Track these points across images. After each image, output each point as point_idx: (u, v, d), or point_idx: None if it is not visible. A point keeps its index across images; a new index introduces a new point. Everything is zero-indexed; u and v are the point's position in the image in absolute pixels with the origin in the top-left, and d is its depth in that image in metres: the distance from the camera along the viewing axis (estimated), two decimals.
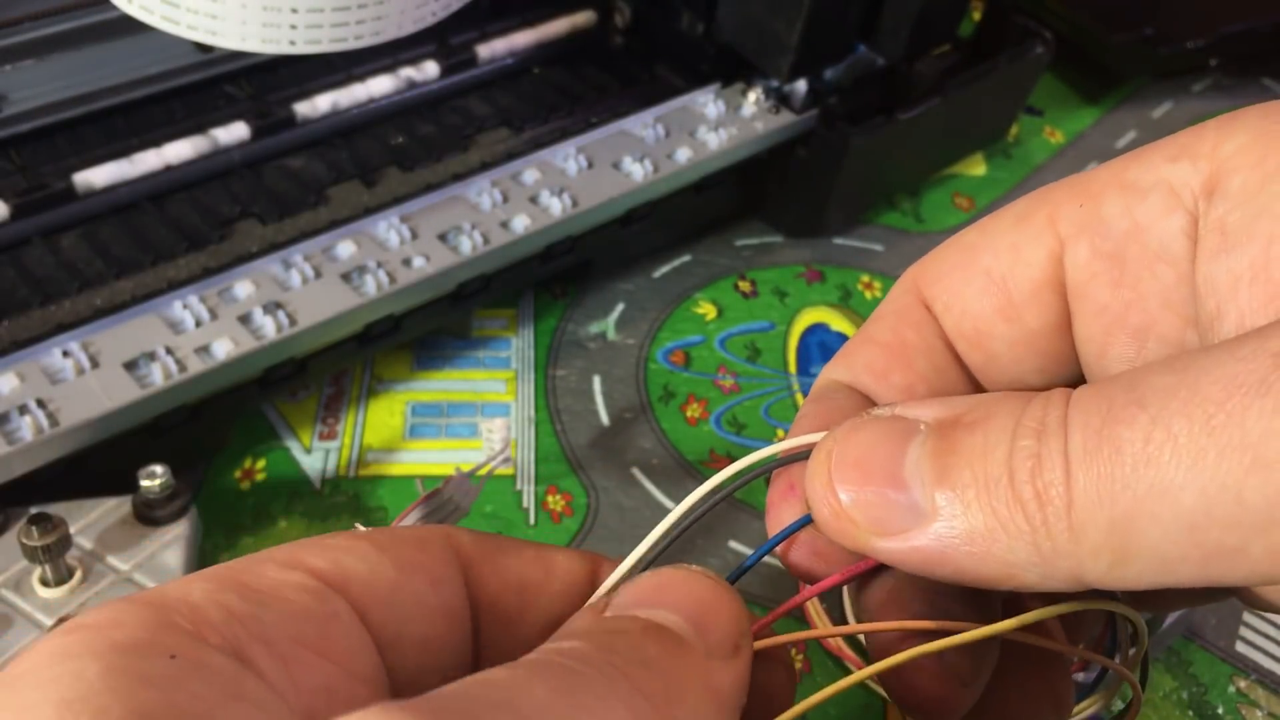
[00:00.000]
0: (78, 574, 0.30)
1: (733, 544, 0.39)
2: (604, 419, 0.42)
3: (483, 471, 0.31)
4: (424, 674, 0.15)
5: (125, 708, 0.13)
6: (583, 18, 0.51)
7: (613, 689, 0.14)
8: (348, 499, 0.39)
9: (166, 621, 0.15)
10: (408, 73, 0.47)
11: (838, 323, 0.47)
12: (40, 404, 0.33)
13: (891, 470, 0.16)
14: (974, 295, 0.20)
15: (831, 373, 0.22)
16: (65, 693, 0.13)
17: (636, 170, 0.44)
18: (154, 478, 0.32)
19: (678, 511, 0.19)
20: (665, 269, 0.49)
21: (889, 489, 0.16)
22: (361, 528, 0.20)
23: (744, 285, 0.49)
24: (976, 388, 0.21)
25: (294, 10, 0.35)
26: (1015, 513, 0.15)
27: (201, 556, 0.33)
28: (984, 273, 0.20)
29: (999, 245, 0.20)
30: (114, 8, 0.37)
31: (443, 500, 0.30)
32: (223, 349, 0.36)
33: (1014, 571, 0.16)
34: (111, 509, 0.32)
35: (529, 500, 0.39)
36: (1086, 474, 0.15)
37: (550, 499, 0.40)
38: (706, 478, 0.20)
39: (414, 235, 0.40)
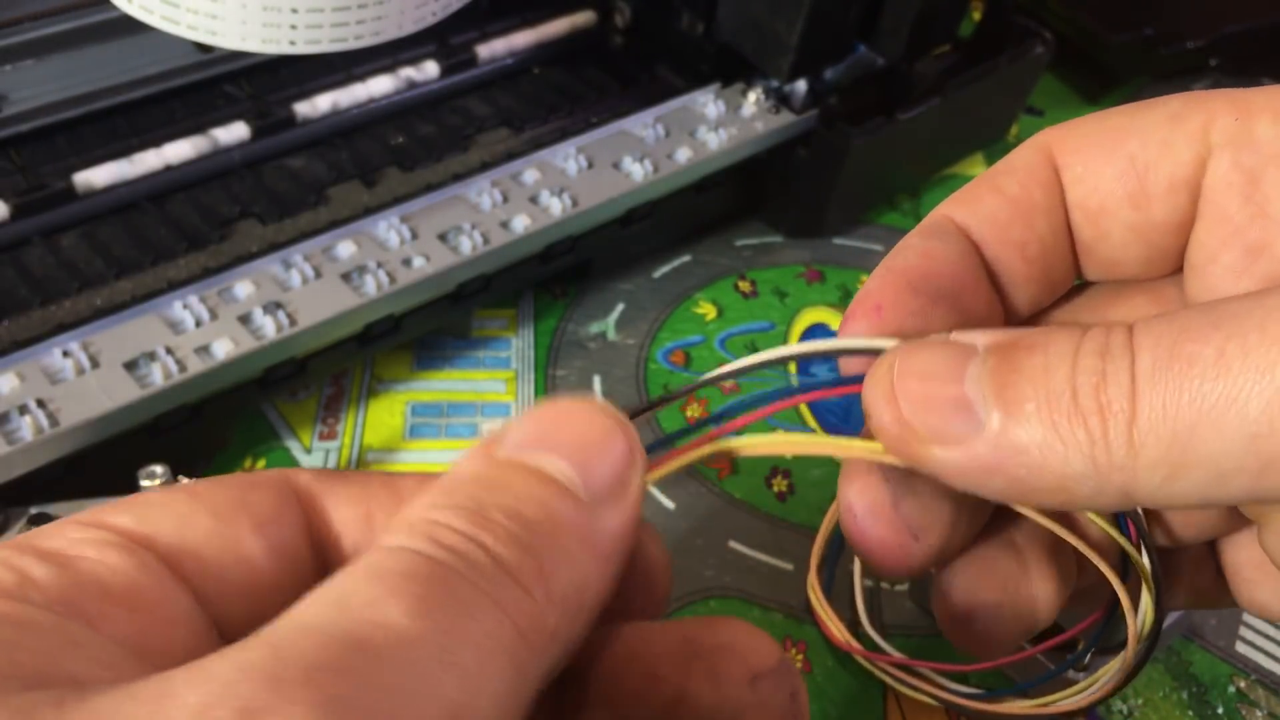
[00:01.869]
0: None
1: (733, 544, 0.39)
2: None
3: None
4: (259, 620, 0.14)
5: None
6: (583, 18, 0.51)
7: (480, 598, 0.14)
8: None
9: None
10: (408, 73, 0.47)
11: (837, 323, 0.47)
12: (40, 404, 0.33)
13: (953, 384, 0.17)
14: (1111, 175, 0.20)
15: (950, 210, 0.22)
16: None
17: (636, 170, 0.44)
18: (154, 478, 0.32)
19: (734, 365, 0.20)
20: (665, 269, 0.49)
21: (950, 401, 0.17)
22: (185, 479, 0.20)
23: (744, 285, 0.49)
24: (1070, 266, 0.22)
25: (294, 10, 0.35)
26: (1076, 426, 0.16)
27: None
28: (1128, 157, 0.20)
29: (1149, 137, 0.20)
30: (114, 8, 0.37)
31: None
32: (223, 349, 0.36)
33: (1067, 484, 0.16)
34: None
35: None
36: (1154, 389, 0.15)
37: None
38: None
39: (414, 235, 0.40)
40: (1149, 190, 0.20)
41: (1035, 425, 0.16)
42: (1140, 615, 0.21)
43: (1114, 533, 0.19)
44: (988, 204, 0.22)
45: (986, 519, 0.22)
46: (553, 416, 0.17)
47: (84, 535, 0.16)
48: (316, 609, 0.14)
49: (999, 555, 0.22)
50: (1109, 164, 0.20)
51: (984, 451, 0.17)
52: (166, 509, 0.17)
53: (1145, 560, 0.20)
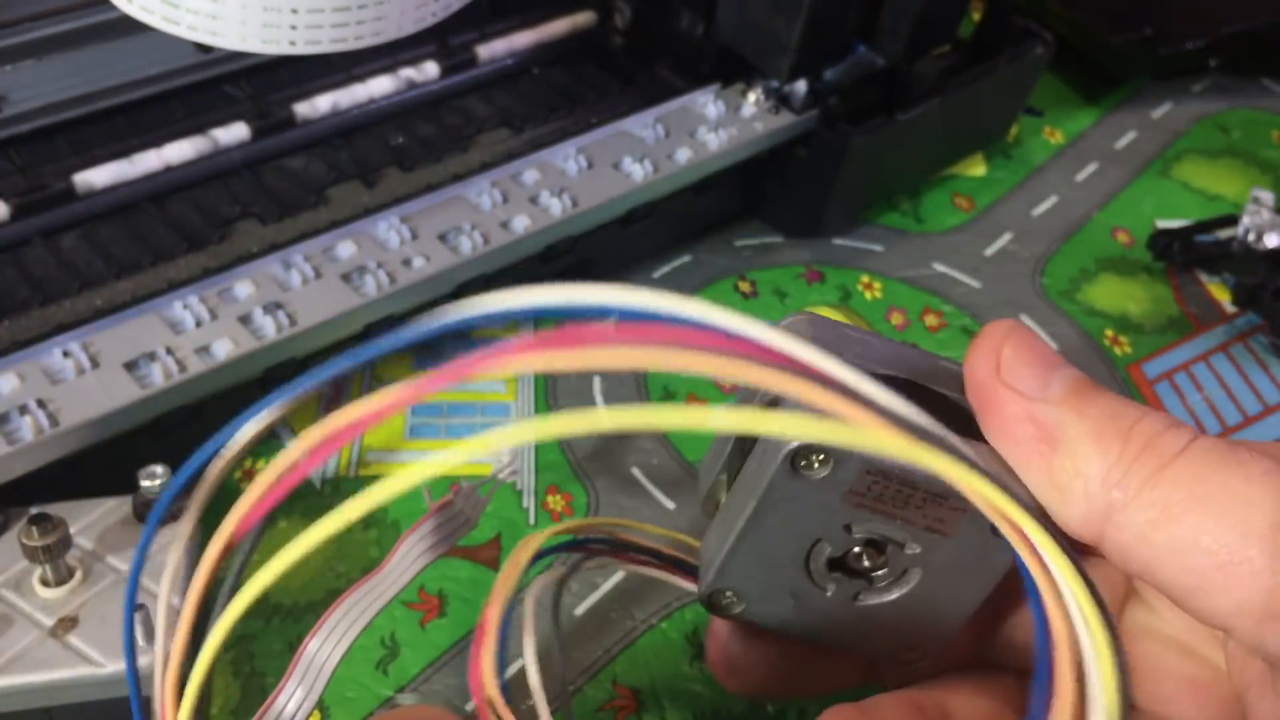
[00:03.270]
0: (78, 574, 0.30)
1: None
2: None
3: (485, 489, 0.31)
4: None
5: None
6: (583, 18, 0.51)
7: None
8: (348, 499, 0.39)
9: None
10: (408, 73, 0.47)
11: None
12: (40, 404, 0.33)
13: (1044, 366, 0.20)
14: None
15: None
16: None
17: (636, 170, 0.44)
18: (154, 478, 0.32)
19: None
20: (665, 269, 0.49)
21: (1039, 369, 0.20)
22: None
23: (744, 285, 0.49)
24: None
25: (294, 11, 0.35)
26: (1117, 441, 0.19)
27: (201, 557, 0.33)
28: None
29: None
30: (114, 8, 0.37)
31: (453, 512, 0.30)
32: (223, 349, 0.36)
33: (1070, 481, 0.19)
34: (111, 509, 0.32)
35: (529, 500, 0.39)
36: (1200, 457, 0.18)
37: (550, 499, 0.40)
38: None
39: (414, 235, 0.40)
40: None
41: (1090, 422, 0.19)
42: None
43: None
44: None
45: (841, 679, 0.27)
46: None
47: None
48: None
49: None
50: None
51: (1040, 413, 0.20)
52: None
53: None
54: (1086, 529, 0.19)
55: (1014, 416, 0.20)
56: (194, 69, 0.45)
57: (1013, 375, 0.20)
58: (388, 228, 0.40)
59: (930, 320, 0.48)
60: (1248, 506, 0.17)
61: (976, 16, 0.55)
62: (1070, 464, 0.19)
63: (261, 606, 0.35)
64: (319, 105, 0.45)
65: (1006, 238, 0.53)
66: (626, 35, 0.52)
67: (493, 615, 0.22)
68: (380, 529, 0.38)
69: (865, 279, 0.50)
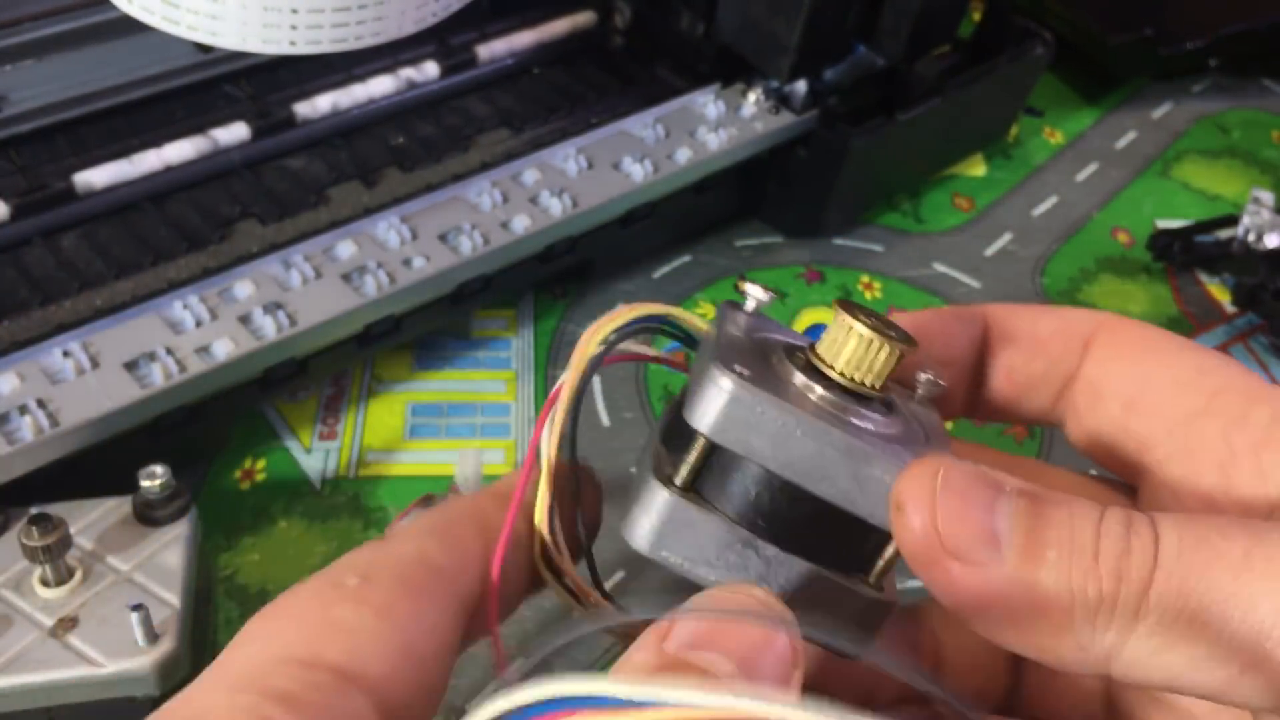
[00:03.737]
0: (78, 574, 0.30)
1: None
2: (604, 420, 0.42)
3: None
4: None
5: None
6: (583, 18, 0.51)
7: None
8: (348, 499, 0.39)
9: None
10: (408, 73, 0.47)
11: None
12: (40, 404, 0.33)
13: (987, 510, 0.18)
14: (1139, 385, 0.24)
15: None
16: None
17: (636, 170, 0.44)
18: (154, 478, 0.32)
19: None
20: (665, 269, 0.49)
21: (981, 525, 0.18)
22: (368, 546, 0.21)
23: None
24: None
25: (294, 10, 0.35)
26: (1092, 581, 0.17)
27: (201, 557, 0.33)
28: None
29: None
30: (114, 8, 0.37)
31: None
32: (223, 349, 0.36)
33: (1061, 632, 0.18)
34: (111, 509, 0.32)
35: None
36: (1175, 567, 0.17)
37: None
38: None
39: (414, 235, 0.40)
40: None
41: (1053, 571, 0.18)
42: None
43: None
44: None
45: None
46: (717, 625, 0.18)
47: (313, 679, 0.18)
48: None
49: None
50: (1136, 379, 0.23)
51: (999, 581, 0.18)
52: (374, 641, 0.19)
53: None
54: (1096, 670, 0.18)
55: (972, 594, 0.18)
56: (194, 69, 0.45)
57: (955, 541, 0.18)
58: (388, 228, 0.40)
59: None
60: (1243, 607, 0.17)
61: (976, 16, 0.55)
62: (1049, 628, 0.18)
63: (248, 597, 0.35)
64: (319, 105, 0.45)
65: (1006, 238, 0.53)
66: (626, 35, 0.52)
67: (568, 384, 0.22)
68: (379, 530, 0.38)
69: (865, 279, 0.50)
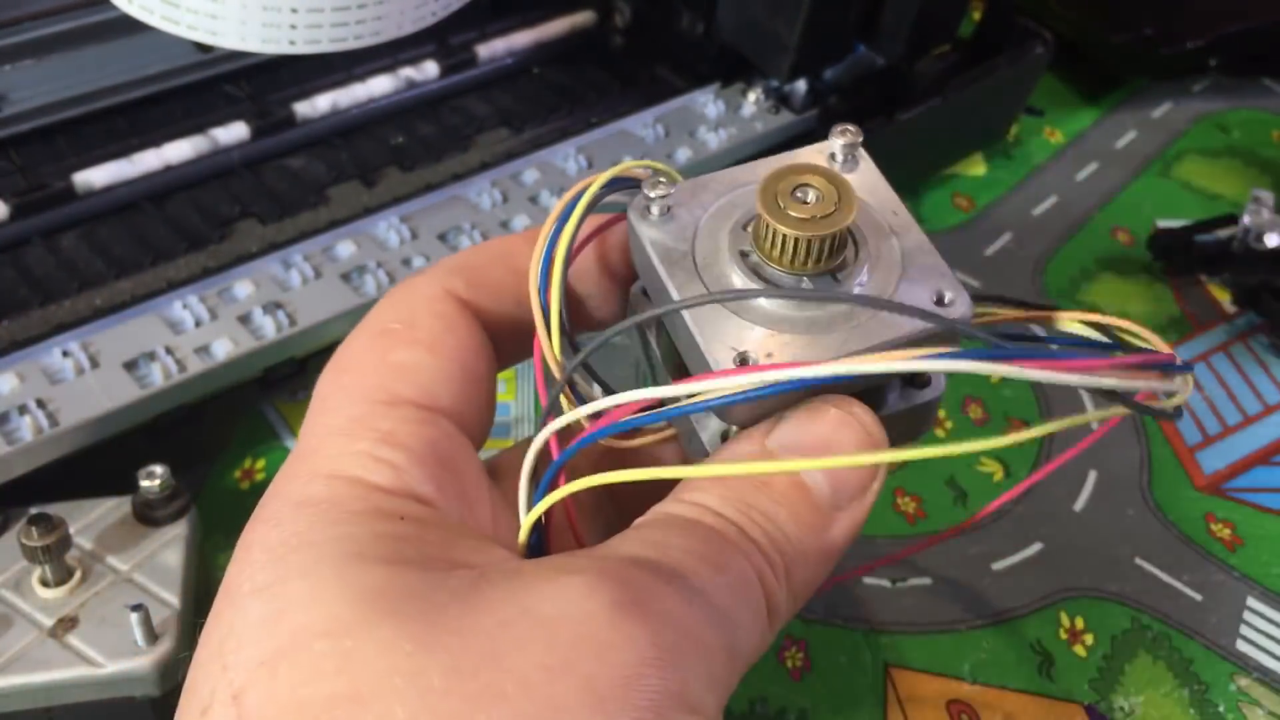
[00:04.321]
0: (78, 574, 0.30)
1: None
2: None
3: None
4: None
5: (405, 556, 0.18)
6: (583, 18, 0.51)
7: (752, 574, 0.19)
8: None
9: (368, 487, 0.19)
10: (408, 73, 0.47)
11: None
12: (40, 404, 0.33)
13: None
14: None
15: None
16: (347, 549, 0.18)
17: None
18: (154, 478, 0.32)
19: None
20: None
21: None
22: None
23: None
24: None
25: (294, 10, 0.35)
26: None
27: (201, 557, 0.33)
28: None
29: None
30: (114, 8, 0.37)
31: None
32: (223, 349, 0.36)
33: None
34: (111, 509, 0.32)
35: None
36: None
37: None
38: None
39: (414, 235, 0.40)
40: None
41: None
42: None
43: None
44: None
45: None
46: (820, 430, 0.20)
47: (402, 415, 0.20)
48: (641, 548, 0.18)
49: None
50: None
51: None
52: (436, 373, 0.21)
53: None
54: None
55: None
56: (194, 69, 0.45)
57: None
58: (388, 227, 0.40)
59: None
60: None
61: (976, 16, 0.55)
62: None
63: None
64: (319, 105, 0.45)
65: (1006, 237, 0.53)
66: (626, 35, 0.52)
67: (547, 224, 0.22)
68: None
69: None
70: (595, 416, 0.21)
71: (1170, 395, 0.21)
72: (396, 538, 0.18)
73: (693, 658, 0.17)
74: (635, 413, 0.20)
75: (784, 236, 0.20)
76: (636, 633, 0.16)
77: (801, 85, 0.47)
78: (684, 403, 0.19)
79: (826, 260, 0.21)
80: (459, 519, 0.20)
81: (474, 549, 0.19)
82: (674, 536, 0.18)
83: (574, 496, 0.20)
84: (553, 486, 0.20)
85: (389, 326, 0.22)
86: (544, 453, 0.21)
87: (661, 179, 0.22)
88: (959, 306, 0.21)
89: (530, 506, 0.21)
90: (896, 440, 0.22)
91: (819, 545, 0.20)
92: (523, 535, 0.21)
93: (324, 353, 0.39)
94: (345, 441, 0.20)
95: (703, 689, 0.17)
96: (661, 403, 0.20)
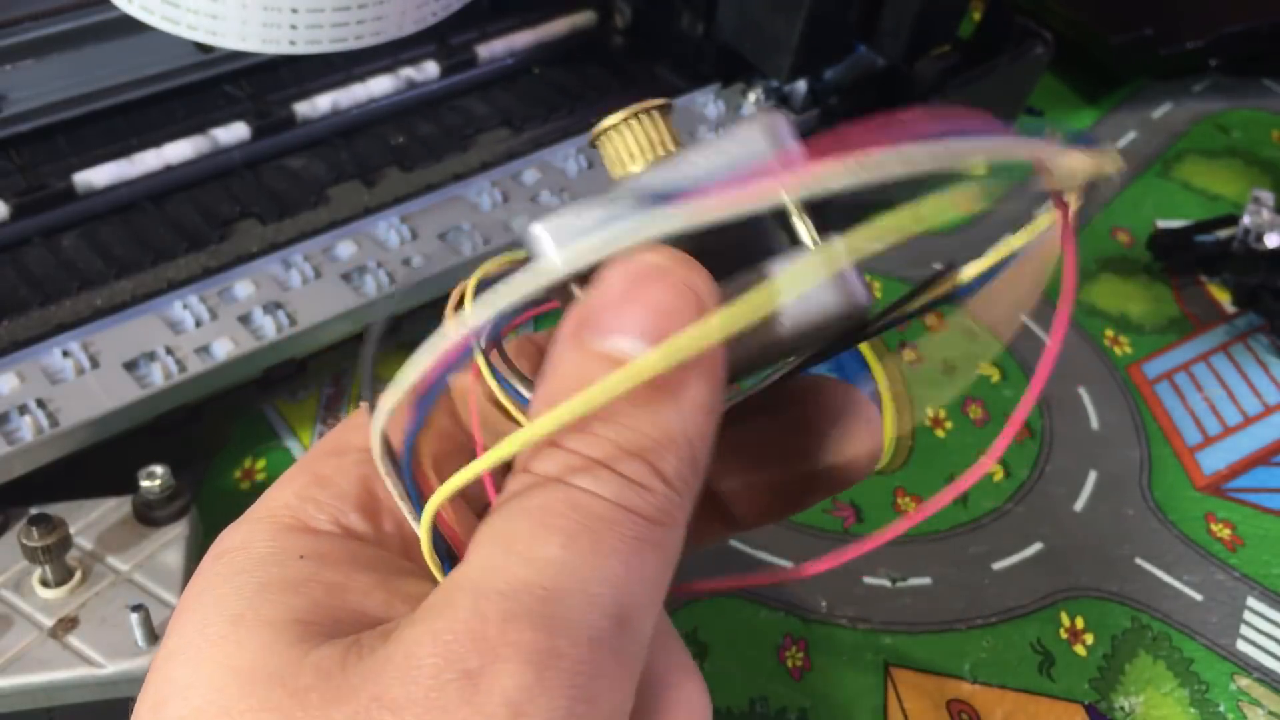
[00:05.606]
0: (78, 574, 0.30)
1: (734, 543, 0.39)
2: None
3: None
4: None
5: (286, 612, 0.17)
6: (583, 18, 0.51)
7: (611, 510, 0.17)
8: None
9: (280, 528, 0.19)
10: (408, 73, 0.47)
11: None
12: (40, 404, 0.33)
13: None
14: None
15: None
16: (232, 609, 0.17)
17: None
18: (154, 478, 0.32)
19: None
20: None
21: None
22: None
23: None
24: None
25: (294, 10, 0.35)
26: None
27: (201, 557, 0.33)
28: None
29: None
30: (114, 8, 0.37)
31: None
32: (223, 349, 0.36)
33: None
34: (111, 509, 0.32)
35: None
36: None
37: None
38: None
39: (414, 235, 0.40)
40: None
41: None
42: None
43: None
44: None
45: None
46: (629, 287, 0.18)
47: (342, 462, 0.20)
48: (487, 553, 0.17)
49: None
50: None
51: None
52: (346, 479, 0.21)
53: None
54: None
55: None
56: (194, 69, 0.45)
57: None
58: (388, 227, 0.40)
59: (930, 319, 0.48)
60: None
61: (976, 16, 0.55)
62: None
63: None
64: (319, 105, 0.45)
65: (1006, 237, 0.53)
66: (626, 35, 0.52)
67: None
68: None
69: (865, 279, 0.50)
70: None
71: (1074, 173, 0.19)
72: (286, 586, 0.18)
73: (566, 679, 0.16)
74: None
75: (615, 131, 0.21)
76: (486, 703, 0.15)
77: (801, 85, 0.47)
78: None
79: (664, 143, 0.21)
80: (399, 546, 0.20)
81: (379, 583, 0.19)
82: (523, 524, 0.17)
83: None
84: (417, 465, 0.19)
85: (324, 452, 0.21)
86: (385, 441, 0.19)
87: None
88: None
89: (407, 496, 0.19)
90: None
91: (681, 422, 0.18)
92: (426, 552, 0.19)
93: (324, 353, 0.39)
94: (279, 487, 0.20)
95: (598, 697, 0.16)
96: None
